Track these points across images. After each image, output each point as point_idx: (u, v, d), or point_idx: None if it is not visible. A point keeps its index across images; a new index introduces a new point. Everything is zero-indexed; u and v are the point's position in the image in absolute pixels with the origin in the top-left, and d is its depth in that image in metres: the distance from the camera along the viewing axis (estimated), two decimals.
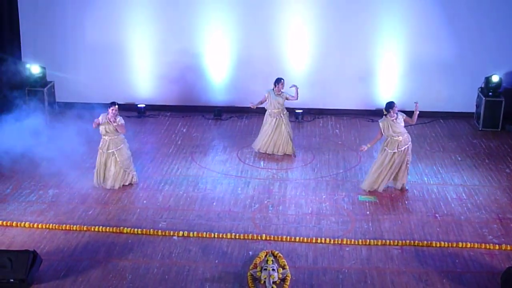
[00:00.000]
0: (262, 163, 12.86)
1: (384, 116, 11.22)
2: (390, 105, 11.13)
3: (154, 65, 15.70)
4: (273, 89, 12.82)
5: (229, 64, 15.60)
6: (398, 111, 11.22)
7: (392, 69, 15.32)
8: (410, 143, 11.26)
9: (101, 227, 10.21)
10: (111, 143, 11.41)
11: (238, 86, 15.71)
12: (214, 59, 15.56)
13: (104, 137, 11.43)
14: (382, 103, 15.28)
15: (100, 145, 11.52)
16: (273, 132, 12.95)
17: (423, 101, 11.03)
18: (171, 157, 13.05)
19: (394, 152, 11.17)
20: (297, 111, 15.13)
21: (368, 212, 10.83)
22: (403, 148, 11.15)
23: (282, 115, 12.91)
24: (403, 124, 11.17)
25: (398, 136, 11.13)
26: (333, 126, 15.11)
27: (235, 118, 15.57)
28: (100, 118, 11.40)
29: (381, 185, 11.42)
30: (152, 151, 13.32)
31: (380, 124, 11.22)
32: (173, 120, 15.32)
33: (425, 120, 15.01)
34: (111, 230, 10.16)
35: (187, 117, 15.56)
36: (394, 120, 11.10)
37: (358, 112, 15.69)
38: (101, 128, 11.36)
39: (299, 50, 15.31)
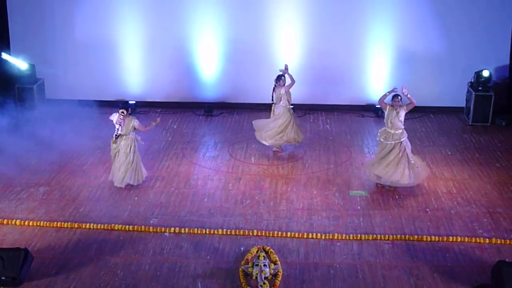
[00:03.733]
0: (253, 159, 12.88)
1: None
2: (392, 96, 11.25)
3: (144, 61, 15.66)
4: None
5: (219, 60, 15.58)
6: (401, 106, 11.23)
7: (382, 64, 15.36)
8: (403, 139, 11.24)
9: (92, 224, 10.21)
10: (122, 140, 11.31)
11: (229, 82, 15.70)
12: (204, 54, 15.54)
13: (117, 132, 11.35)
14: (372, 98, 15.42)
15: (112, 140, 11.39)
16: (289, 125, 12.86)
17: (413, 96, 11.10)
18: (162, 154, 13.05)
19: (387, 143, 11.24)
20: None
21: (359, 207, 10.87)
22: (393, 142, 11.19)
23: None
24: (402, 119, 11.22)
25: (391, 129, 11.22)
26: (323, 121, 15.14)
27: (226, 114, 15.56)
28: (113, 116, 11.30)
29: (377, 171, 11.40)
30: (142, 148, 13.27)
31: (387, 108, 11.30)
32: (163, 117, 15.27)
33: (415, 115, 15.05)
34: (102, 227, 10.16)
35: (177, 113, 15.56)
36: (396, 114, 11.18)
37: (349, 108, 15.71)
38: (116, 125, 11.27)
39: (290, 45, 15.32)
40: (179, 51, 15.51)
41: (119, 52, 15.59)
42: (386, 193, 11.34)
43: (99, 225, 10.20)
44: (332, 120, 15.23)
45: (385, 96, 11.45)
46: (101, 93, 15.45)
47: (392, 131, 11.22)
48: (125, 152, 11.28)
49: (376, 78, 15.43)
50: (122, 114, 11.13)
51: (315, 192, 11.45)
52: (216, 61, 15.60)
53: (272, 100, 12.85)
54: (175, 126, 14.78)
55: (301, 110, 15.47)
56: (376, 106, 15.05)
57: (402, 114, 11.22)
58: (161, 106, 15.80)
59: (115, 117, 11.23)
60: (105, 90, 15.50)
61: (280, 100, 12.71)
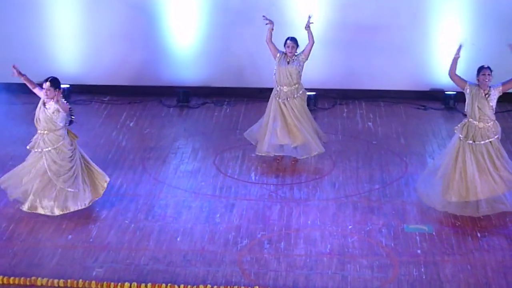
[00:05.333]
0: (253, 175, 12.84)
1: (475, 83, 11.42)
2: (478, 70, 11.36)
3: (85, 27, 15.83)
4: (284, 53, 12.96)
5: (200, 24, 15.75)
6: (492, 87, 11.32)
7: (453, 29, 15.37)
8: (494, 139, 11.32)
9: (1, 277, 10.09)
10: (46, 140, 11.28)
11: (215, 57, 15.88)
12: (177, 16, 15.70)
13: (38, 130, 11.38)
14: (439, 81, 15.37)
15: (30, 144, 11.45)
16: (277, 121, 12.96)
17: (503, 75, 11.07)
18: (112, 167, 13.02)
19: (462, 140, 11.33)
20: (308, 93, 15.05)
21: (419, 251, 10.80)
22: (477, 143, 11.23)
23: (294, 96, 13.04)
24: (494, 105, 11.27)
25: (478, 120, 11.26)
26: (363, 116, 15.23)
27: (210, 104, 15.72)
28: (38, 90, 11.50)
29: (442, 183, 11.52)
30: None
31: (467, 88, 11.35)
32: (114, 109, 15.41)
33: (509, 107, 15.01)
34: (17, 281, 10.05)
35: (136, 103, 15.71)
36: (484, 96, 11.20)
37: (402, 95, 15.86)
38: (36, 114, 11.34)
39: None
40: (139, 11, 15.67)
41: (48, 13, 15.74)
42: (461, 228, 11.27)
43: (11, 278, 10.10)
44: (377, 114, 15.33)
45: (455, 60, 11.46)
46: (23, 71, 15.42)
47: (481, 125, 11.26)
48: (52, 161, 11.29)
49: (445, 50, 15.29)
50: (49, 90, 11.22)
51: (350, 227, 11.41)
52: (195, 25, 15.71)
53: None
54: (131, 124, 14.87)
55: (328, 98, 15.53)
56: (446, 92, 15.01)
57: (495, 97, 11.24)
58: (110, 93, 15.98)
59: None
60: (24, 68, 15.38)
61: None
